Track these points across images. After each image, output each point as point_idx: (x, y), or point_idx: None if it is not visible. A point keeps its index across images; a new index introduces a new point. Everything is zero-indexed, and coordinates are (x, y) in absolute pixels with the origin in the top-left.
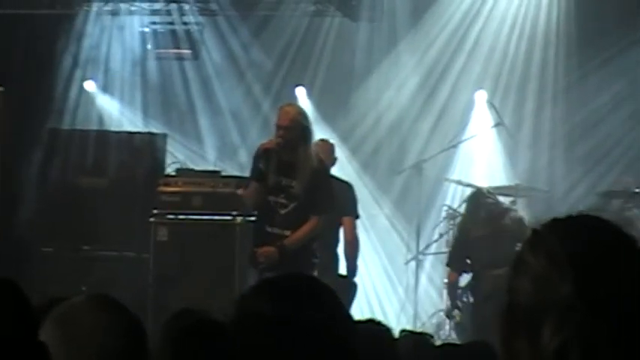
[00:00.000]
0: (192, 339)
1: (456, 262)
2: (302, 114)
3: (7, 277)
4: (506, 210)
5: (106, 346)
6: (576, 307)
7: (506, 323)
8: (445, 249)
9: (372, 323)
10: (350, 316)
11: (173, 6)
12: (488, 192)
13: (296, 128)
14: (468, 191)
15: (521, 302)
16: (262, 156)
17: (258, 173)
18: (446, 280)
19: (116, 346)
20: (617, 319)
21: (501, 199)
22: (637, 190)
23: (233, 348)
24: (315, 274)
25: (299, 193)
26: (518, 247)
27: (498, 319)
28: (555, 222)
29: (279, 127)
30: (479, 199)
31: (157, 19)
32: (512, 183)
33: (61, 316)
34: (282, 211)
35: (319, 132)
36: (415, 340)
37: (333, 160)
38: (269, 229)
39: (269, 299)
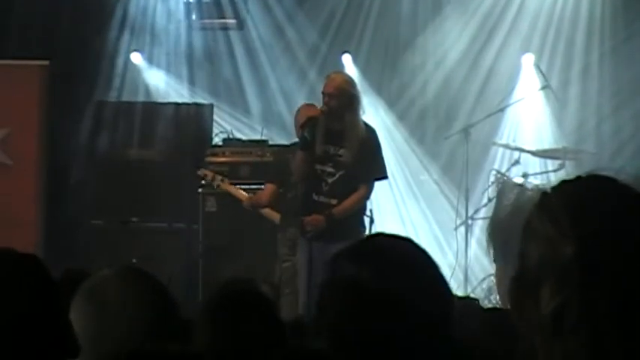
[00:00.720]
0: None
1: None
2: (348, 81)
3: (30, 253)
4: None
5: (136, 319)
6: (575, 270)
7: (516, 288)
8: None
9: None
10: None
11: None
12: (515, 183)
13: (342, 95)
14: (516, 155)
15: (529, 266)
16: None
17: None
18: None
19: (146, 318)
20: (615, 283)
21: (549, 162)
22: None
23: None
24: None
25: (347, 161)
26: None
27: (511, 283)
28: (563, 185)
29: (324, 94)
30: (504, 192)
31: None
32: (559, 145)
33: (90, 290)
34: (330, 180)
35: (365, 98)
36: (462, 304)
37: None
38: (316, 198)
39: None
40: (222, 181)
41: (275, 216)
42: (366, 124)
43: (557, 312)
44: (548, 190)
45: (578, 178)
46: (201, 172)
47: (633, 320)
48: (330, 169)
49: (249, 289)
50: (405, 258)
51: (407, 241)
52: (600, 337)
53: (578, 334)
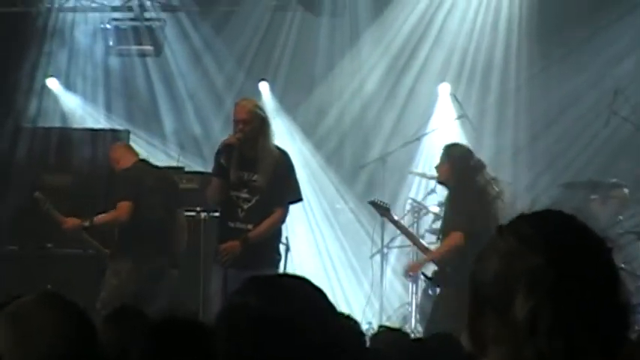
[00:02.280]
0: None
1: None
2: (258, 106)
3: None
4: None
5: (56, 344)
6: (547, 273)
7: (471, 305)
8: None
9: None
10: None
11: (134, 2)
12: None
13: (253, 121)
14: (432, 184)
15: (487, 281)
16: (223, 152)
17: (219, 169)
18: None
19: (66, 343)
20: (584, 285)
21: None
22: (602, 180)
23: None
24: (278, 270)
25: (262, 186)
26: None
27: (469, 300)
28: (521, 215)
29: (237, 121)
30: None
31: (118, 15)
32: None
33: (12, 315)
34: (246, 206)
35: (282, 126)
36: (392, 335)
37: None
38: (232, 225)
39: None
40: (50, 205)
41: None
42: (278, 148)
43: (532, 315)
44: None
45: (535, 211)
46: (36, 194)
47: (605, 321)
48: (245, 195)
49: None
50: (295, 288)
51: (301, 279)
52: (575, 338)
53: (552, 337)
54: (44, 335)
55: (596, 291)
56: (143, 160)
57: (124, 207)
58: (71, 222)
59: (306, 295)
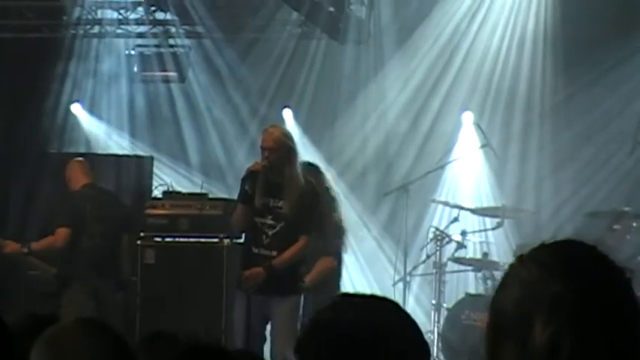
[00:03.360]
0: None
1: None
2: (286, 135)
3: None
4: None
5: None
6: (566, 299)
7: (491, 334)
8: (432, 270)
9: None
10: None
11: (159, 28)
12: None
13: (280, 149)
14: (455, 212)
15: (508, 310)
16: (249, 178)
17: (244, 195)
18: None
19: None
20: (604, 313)
21: (487, 220)
22: (625, 209)
23: None
24: (302, 298)
25: (287, 213)
26: None
27: (487, 329)
28: (543, 244)
29: (263, 148)
30: None
31: (143, 41)
32: (499, 204)
33: (51, 339)
34: (270, 232)
35: (306, 154)
36: None
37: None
38: (256, 251)
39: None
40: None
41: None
42: (305, 176)
43: (551, 342)
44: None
45: (556, 241)
46: None
47: (626, 349)
48: (270, 222)
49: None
50: (385, 309)
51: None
52: None
53: None
54: None
55: (616, 319)
56: (91, 185)
57: (61, 234)
58: (10, 246)
59: (397, 319)
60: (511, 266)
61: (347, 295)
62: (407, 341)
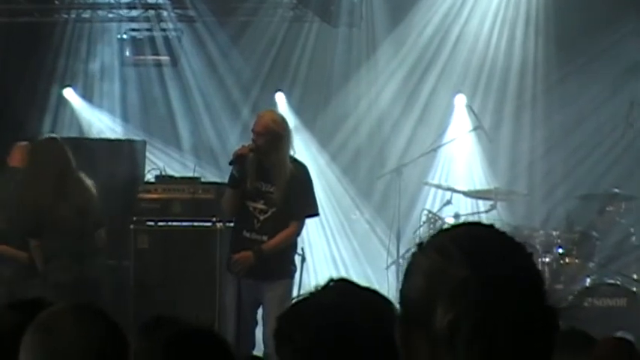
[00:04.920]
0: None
1: None
2: (276, 120)
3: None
4: None
5: (88, 355)
6: (469, 287)
7: (400, 325)
8: None
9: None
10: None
11: (151, 13)
12: None
13: (268, 134)
14: (448, 195)
15: (414, 298)
16: (235, 162)
17: (232, 180)
18: None
19: (98, 354)
20: (506, 298)
21: (481, 203)
22: (616, 191)
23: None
24: (293, 282)
25: (278, 198)
26: None
27: (398, 322)
28: (440, 231)
29: (253, 132)
30: None
31: (134, 25)
32: (491, 186)
33: (43, 324)
34: (262, 217)
35: (299, 137)
36: None
37: None
38: (247, 235)
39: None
40: None
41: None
42: (296, 161)
43: (452, 326)
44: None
45: (454, 225)
46: None
47: (525, 334)
48: (261, 206)
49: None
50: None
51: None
52: (493, 350)
53: (471, 348)
54: (76, 346)
55: (517, 296)
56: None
57: None
58: None
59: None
60: (414, 255)
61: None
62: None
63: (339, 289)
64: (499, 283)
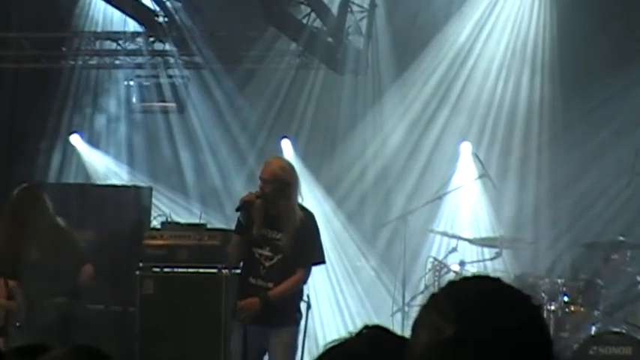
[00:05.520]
0: None
1: None
2: (283, 168)
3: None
4: None
5: None
6: (451, 345)
7: None
8: None
9: None
10: None
11: (158, 59)
12: None
13: (276, 182)
14: (454, 242)
15: (415, 353)
16: (242, 209)
17: (238, 227)
18: None
19: None
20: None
21: (486, 250)
22: (622, 239)
23: None
24: (299, 329)
25: (284, 246)
26: None
27: None
28: (449, 284)
29: (260, 179)
30: None
31: (141, 72)
32: (497, 234)
33: None
34: (267, 264)
35: (305, 184)
36: None
37: None
38: (253, 281)
39: None
40: None
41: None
42: (303, 209)
43: None
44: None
45: (465, 277)
46: None
47: None
48: (268, 253)
49: None
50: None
51: None
52: None
53: None
54: None
55: (496, 355)
56: None
57: None
58: None
59: None
60: (422, 308)
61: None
62: None
63: (371, 336)
64: (488, 342)
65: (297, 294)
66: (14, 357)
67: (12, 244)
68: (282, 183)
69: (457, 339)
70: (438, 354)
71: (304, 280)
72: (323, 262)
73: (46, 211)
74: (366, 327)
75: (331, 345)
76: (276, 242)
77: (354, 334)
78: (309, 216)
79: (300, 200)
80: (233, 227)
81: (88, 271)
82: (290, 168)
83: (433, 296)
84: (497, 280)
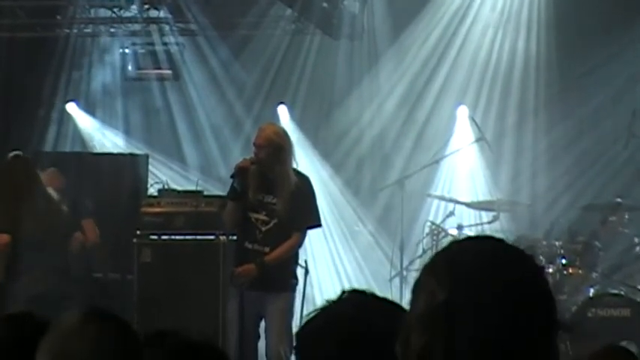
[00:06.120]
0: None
1: None
2: (277, 132)
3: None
4: None
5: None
6: (442, 312)
7: (401, 339)
8: None
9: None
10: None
11: (153, 27)
12: None
13: (270, 147)
14: (451, 206)
15: (412, 319)
16: (237, 175)
17: (234, 193)
18: None
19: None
20: (477, 325)
21: (484, 214)
22: (619, 201)
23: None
24: (294, 295)
25: (280, 210)
26: None
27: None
28: (450, 244)
29: (254, 145)
30: None
31: (137, 40)
32: (494, 197)
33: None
34: (264, 228)
35: (300, 149)
36: None
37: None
38: (249, 246)
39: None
40: None
41: None
42: (299, 173)
43: (424, 351)
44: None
45: (467, 237)
46: None
47: (502, 345)
48: (264, 217)
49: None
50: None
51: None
52: None
53: None
54: (92, 353)
55: (489, 333)
56: None
57: None
58: None
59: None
60: (422, 270)
61: (348, 291)
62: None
63: (355, 300)
64: (472, 308)
65: (293, 260)
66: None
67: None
68: (277, 148)
69: (448, 304)
70: (430, 320)
71: (300, 244)
72: (319, 225)
73: (38, 181)
74: (344, 292)
75: (314, 312)
76: (271, 206)
77: (332, 301)
78: (304, 180)
79: (294, 165)
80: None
81: (89, 227)
82: (284, 133)
83: (433, 258)
84: (500, 240)
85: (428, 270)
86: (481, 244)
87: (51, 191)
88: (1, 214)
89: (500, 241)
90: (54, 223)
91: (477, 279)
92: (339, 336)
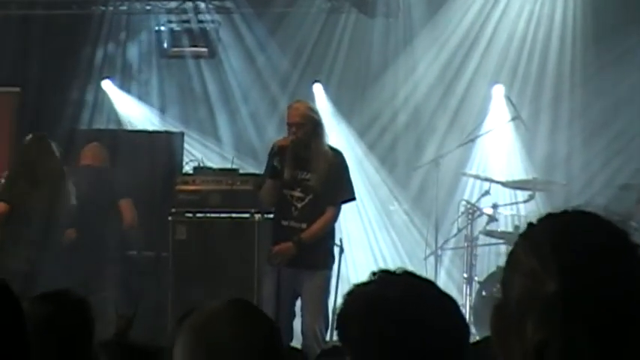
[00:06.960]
0: None
1: None
2: (311, 109)
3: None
4: None
5: (250, 354)
6: (557, 306)
7: (499, 318)
8: (464, 244)
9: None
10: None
11: (189, 4)
12: None
13: (307, 124)
14: (486, 185)
15: (513, 298)
16: (277, 154)
17: (272, 170)
18: None
19: (260, 354)
20: (595, 320)
21: (519, 193)
22: None
23: None
24: (331, 273)
25: (315, 185)
26: None
27: (493, 312)
28: (548, 218)
29: (290, 124)
30: None
31: (172, 17)
32: (529, 177)
33: (198, 329)
34: (299, 205)
35: (336, 127)
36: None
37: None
38: (285, 223)
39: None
40: None
41: None
42: (332, 148)
43: (540, 347)
44: (534, 221)
45: (564, 212)
46: None
47: (613, 358)
48: (299, 194)
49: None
50: (428, 288)
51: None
52: None
53: None
54: (232, 349)
55: (610, 327)
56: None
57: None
58: None
59: (438, 296)
60: (515, 247)
61: (385, 270)
62: (448, 319)
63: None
64: (589, 300)
65: (330, 237)
66: (40, 304)
67: (13, 188)
68: (314, 123)
69: (563, 299)
70: (543, 313)
71: (335, 218)
72: (353, 198)
73: (54, 158)
74: (381, 271)
75: (357, 294)
76: (306, 182)
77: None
78: (337, 155)
79: (326, 139)
80: (265, 171)
81: (126, 207)
82: (316, 108)
83: (531, 234)
84: (597, 216)
85: (527, 248)
86: (582, 220)
87: (66, 170)
88: (7, 187)
89: (597, 217)
90: (59, 204)
91: (589, 265)
92: (386, 318)
